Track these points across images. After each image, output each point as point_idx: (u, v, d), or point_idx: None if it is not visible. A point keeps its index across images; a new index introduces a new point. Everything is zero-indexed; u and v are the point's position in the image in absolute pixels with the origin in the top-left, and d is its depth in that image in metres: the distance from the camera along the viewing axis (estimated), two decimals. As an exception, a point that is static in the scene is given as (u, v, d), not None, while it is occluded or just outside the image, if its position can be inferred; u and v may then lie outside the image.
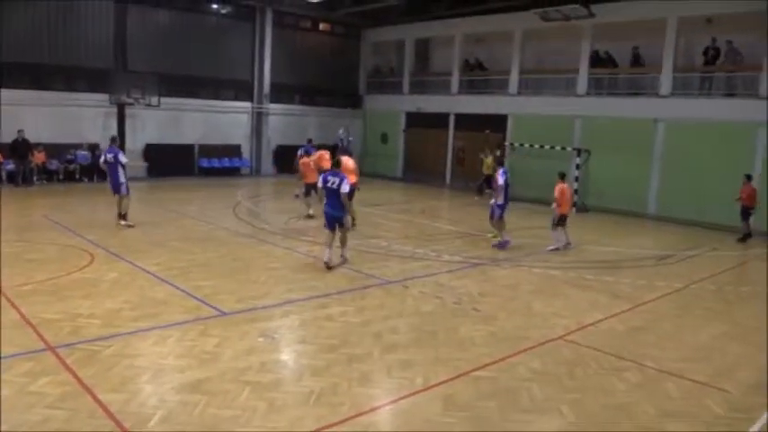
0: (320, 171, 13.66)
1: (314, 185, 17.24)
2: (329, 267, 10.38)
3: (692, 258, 13.43)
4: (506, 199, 13.09)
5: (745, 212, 15.73)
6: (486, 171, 21.20)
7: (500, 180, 12.92)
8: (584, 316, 8.70)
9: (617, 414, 5.68)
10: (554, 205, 13.15)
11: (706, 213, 17.68)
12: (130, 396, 5.50)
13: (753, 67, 18.09)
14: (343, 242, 11.03)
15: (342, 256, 10.97)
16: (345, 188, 10.25)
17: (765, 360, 7.32)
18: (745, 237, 15.79)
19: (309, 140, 19.26)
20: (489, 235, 14.09)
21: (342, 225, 10.69)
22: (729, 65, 18.75)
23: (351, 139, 26.13)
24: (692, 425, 5.53)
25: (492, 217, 13.21)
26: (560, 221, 13.21)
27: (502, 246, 12.98)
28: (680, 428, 5.46)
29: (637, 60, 21.05)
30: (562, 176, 13.40)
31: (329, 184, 10.39)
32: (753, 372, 6.94)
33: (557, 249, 13.11)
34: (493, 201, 13.17)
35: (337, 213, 10.45)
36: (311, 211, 15.42)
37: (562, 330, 8.01)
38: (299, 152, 17.49)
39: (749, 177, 15.81)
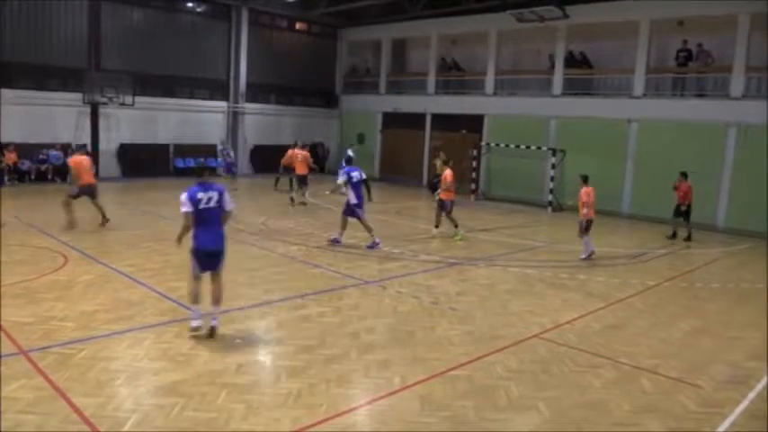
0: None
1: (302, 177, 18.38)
2: (195, 331, 7.07)
3: (665, 256, 13.65)
4: (359, 198, 12.54)
5: (679, 210, 15.51)
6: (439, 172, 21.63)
7: (340, 179, 12.44)
8: (560, 314, 8.79)
9: (592, 410, 5.76)
10: (585, 210, 12.42)
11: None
12: (105, 399, 5.43)
13: (723, 69, 18.45)
14: (219, 295, 7.23)
15: (214, 317, 7.15)
16: (230, 205, 7.25)
17: (736, 355, 7.49)
18: (674, 235, 15.69)
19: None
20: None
21: (218, 267, 7.23)
22: (700, 66, 19.08)
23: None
24: (665, 420, 5.62)
25: (359, 218, 12.63)
26: (588, 227, 12.54)
27: (334, 242, 12.66)
28: (654, 423, 5.55)
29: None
30: (585, 179, 12.63)
31: (203, 203, 6.96)
32: (724, 367, 7.08)
33: (590, 257, 12.55)
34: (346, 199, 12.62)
35: (219, 246, 7.16)
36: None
37: (538, 329, 8.09)
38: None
39: (685, 175, 15.55)
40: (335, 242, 12.72)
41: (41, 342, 6.67)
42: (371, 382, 6.16)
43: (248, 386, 5.88)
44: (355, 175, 12.52)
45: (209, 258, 7.14)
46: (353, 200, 12.46)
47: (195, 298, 7.17)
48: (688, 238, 15.57)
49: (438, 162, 21.63)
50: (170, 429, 5.00)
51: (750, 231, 16.79)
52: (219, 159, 22.31)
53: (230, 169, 22.15)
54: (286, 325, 7.81)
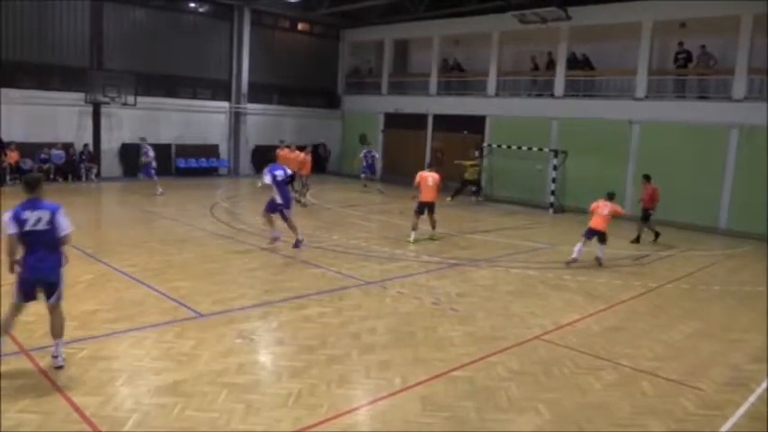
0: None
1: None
2: None
3: (667, 258, 13.63)
4: (284, 197, 12.27)
5: (646, 214, 15.11)
6: (467, 176, 21.70)
7: (266, 179, 12.16)
8: (561, 316, 8.78)
9: (593, 412, 5.75)
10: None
11: (680, 214, 17.93)
12: (106, 399, 5.43)
13: (725, 71, 18.43)
14: (60, 328, 6.04)
15: (56, 356, 6.00)
16: (66, 228, 6.06)
17: (736, 358, 7.48)
18: (657, 235, 15.20)
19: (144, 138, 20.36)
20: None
21: (54, 295, 5.98)
22: (702, 68, 19.06)
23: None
24: (665, 422, 5.62)
25: (266, 210, 12.37)
26: (589, 235, 12.20)
27: (274, 240, 12.35)
28: (654, 425, 5.55)
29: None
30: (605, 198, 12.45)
31: (30, 225, 5.83)
32: (724, 369, 7.07)
33: (574, 261, 12.02)
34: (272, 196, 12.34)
35: (50, 276, 5.94)
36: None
37: (539, 330, 8.08)
38: None
39: (648, 178, 15.27)
40: (275, 240, 12.33)
41: (42, 341, 6.65)
42: (372, 382, 6.16)
43: (249, 386, 5.88)
44: (279, 173, 12.34)
45: (31, 283, 5.88)
46: (279, 200, 12.24)
47: (6, 326, 5.95)
48: (636, 240, 15.13)
49: (467, 163, 21.83)
50: (170, 429, 5.00)
51: (751, 233, 16.76)
52: (144, 158, 19.87)
53: (148, 171, 19.76)
54: (287, 325, 7.81)
